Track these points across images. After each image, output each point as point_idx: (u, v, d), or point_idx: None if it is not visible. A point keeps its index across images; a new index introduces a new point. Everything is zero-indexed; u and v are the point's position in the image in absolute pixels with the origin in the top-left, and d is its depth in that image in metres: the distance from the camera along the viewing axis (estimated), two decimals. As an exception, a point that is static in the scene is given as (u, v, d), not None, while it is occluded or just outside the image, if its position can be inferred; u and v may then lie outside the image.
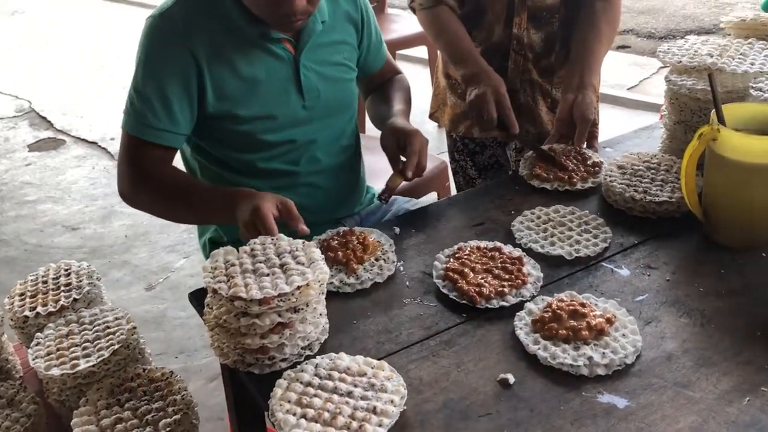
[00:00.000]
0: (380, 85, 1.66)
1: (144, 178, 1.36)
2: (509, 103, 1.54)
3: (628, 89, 4.31)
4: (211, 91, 1.33)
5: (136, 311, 2.63)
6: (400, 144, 1.41)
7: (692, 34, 5.12)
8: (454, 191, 2.14)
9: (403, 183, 1.42)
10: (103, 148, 4.16)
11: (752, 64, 1.37)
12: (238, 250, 1.03)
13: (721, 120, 1.17)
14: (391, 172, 1.44)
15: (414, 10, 1.75)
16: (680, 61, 1.41)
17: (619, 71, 4.58)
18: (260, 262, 1.00)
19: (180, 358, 2.40)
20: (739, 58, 1.39)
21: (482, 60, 1.61)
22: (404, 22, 3.77)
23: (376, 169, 2.29)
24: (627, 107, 4.08)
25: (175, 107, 1.31)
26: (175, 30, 1.30)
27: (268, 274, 0.97)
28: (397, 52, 3.72)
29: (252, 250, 1.04)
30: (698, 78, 1.39)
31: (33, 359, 1.19)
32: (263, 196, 1.22)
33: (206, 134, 1.40)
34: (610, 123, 3.63)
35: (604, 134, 1.56)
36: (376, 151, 2.46)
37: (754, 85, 1.31)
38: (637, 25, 5.54)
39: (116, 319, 1.26)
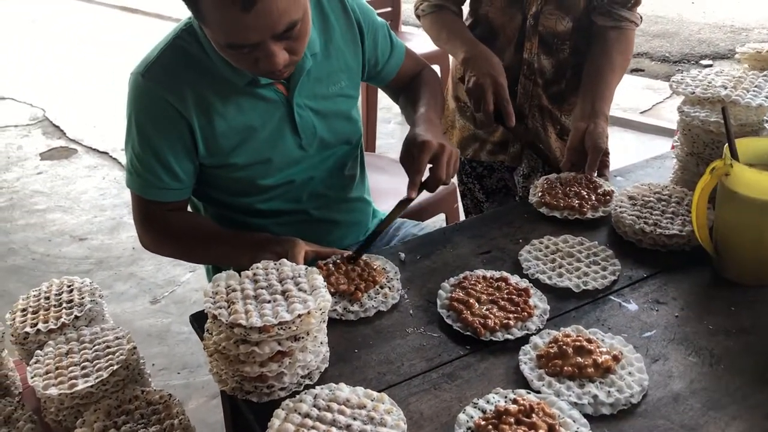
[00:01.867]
0: (408, 84, 1.59)
1: (162, 233, 1.39)
2: (507, 94, 1.52)
3: (641, 113, 4.30)
4: (203, 146, 1.31)
5: (141, 324, 2.63)
6: (414, 156, 1.29)
7: (707, 59, 5.08)
8: (462, 213, 2.13)
9: (414, 202, 1.39)
10: (114, 159, 4.18)
11: (767, 97, 1.35)
12: (240, 275, 1.02)
13: (734, 155, 1.16)
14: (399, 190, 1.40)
15: (419, 18, 1.76)
16: (693, 92, 1.39)
17: (632, 95, 4.57)
18: (262, 288, 0.98)
19: (182, 374, 2.38)
20: (754, 91, 1.37)
21: (483, 46, 1.59)
22: (418, 40, 3.78)
23: (385, 190, 2.29)
24: (640, 131, 4.06)
25: (175, 168, 1.32)
26: (159, 89, 1.27)
27: (269, 301, 0.96)
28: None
29: (254, 275, 1.02)
30: (711, 110, 1.37)
31: (32, 377, 1.18)
32: (294, 244, 1.25)
33: (201, 180, 1.39)
34: (623, 147, 3.62)
35: (616, 157, 1.55)
36: (384, 171, 2.47)
37: (768, 119, 1.29)
38: (651, 48, 5.53)
39: (116, 338, 1.24)
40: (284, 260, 1.05)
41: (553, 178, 1.50)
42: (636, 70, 5.09)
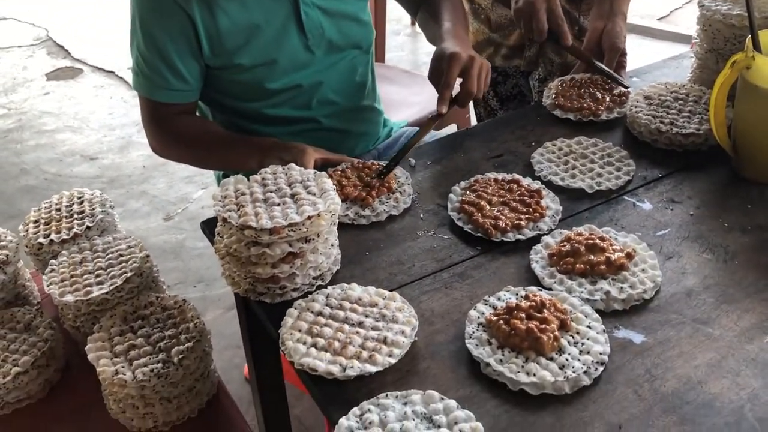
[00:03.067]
0: None
1: (170, 135, 1.38)
2: (561, 12, 1.44)
3: (658, 20, 4.15)
4: (207, 45, 1.28)
5: (155, 241, 2.66)
6: (444, 70, 1.24)
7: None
8: (474, 123, 2.09)
9: (424, 111, 1.35)
10: (121, 78, 4.13)
11: (793, -13, 1.29)
12: (248, 179, 1.01)
13: (756, 47, 1.11)
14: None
15: None
16: (716, -15, 1.33)
17: (649, 0, 4.40)
18: (271, 192, 0.97)
19: (198, 287, 2.42)
20: (779, -18, 1.31)
21: None
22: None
23: (395, 101, 2.25)
24: (657, 38, 3.94)
25: (182, 69, 1.29)
26: None
27: (278, 204, 0.95)
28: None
29: (263, 179, 1.01)
30: (734, 3, 1.31)
31: (48, 285, 1.19)
32: (303, 150, 1.23)
33: (207, 83, 1.36)
34: (639, 54, 3.52)
35: (632, 65, 1.50)
36: (394, 82, 2.42)
37: (794, 11, 1.24)
38: (670, -49, 5.29)
39: (129, 247, 1.25)
40: (293, 165, 1.04)
41: (568, 79, 1.45)
42: (654, -25, 4.89)
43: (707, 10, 1.33)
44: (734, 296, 0.94)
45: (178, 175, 3.06)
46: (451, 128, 2.29)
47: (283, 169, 1.03)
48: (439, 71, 1.24)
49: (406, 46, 4.33)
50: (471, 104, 2.03)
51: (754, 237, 1.04)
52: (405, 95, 2.30)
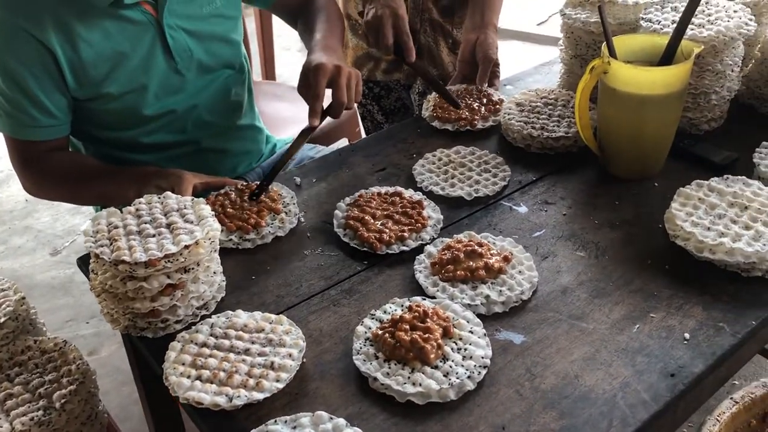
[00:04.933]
0: (302, 8, 1.51)
1: (43, 174, 1.32)
2: (407, 28, 1.47)
3: (537, 24, 4.34)
4: (71, 77, 1.23)
5: (42, 278, 2.53)
6: (311, 82, 1.23)
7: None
8: (364, 136, 2.11)
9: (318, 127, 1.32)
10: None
11: (643, -5, 1.37)
12: (122, 211, 0.98)
13: (611, 52, 1.18)
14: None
15: None
16: (574, -6, 1.41)
17: (528, 6, 4.59)
18: (146, 223, 0.95)
19: (92, 323, 2.32)
20: (630, -10, 1.39)
21: None
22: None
23: (285, 118, 2.24)
24: (537, 43, 4.11)
25: (47, 103, 1.23)
26: (15, 18, 1.17)
27: (154, 235, 0.93)
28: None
29: (137, 210, 0.98)
30: (592, 11, 1.39)
31: None
32: (180, 178, 1.20)
33: (77, 116, 1.30)
34: (520, 59, 3.66)
35: (513, 69, 1.55)
36: (283, 98, 2.41)
37: (644, 16, 1.32)
38: (545, -41, 5.54)
39: (2, 290, 1.18)
40: (169, 193, 1.01)
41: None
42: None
43: (569, 18, 1.40)
44: (605, 290, 0.99)
45: (63, 207, 2.91)
46: (343, 142, 2.30)
47: (159, 198, 1.01)
48: (308, 84, 1.23)
49: (298, 61, 4.32)
50: (359, 119, 2.05)
51: (622, 232, 1.11)
52: (294, 112, 2.29)
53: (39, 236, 2.78)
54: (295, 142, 1.27)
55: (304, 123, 1.23)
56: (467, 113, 1.41)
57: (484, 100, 1.45)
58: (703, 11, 1.29)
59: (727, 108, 1.35)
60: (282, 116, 2.25)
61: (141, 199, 1.01)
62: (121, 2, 1.21)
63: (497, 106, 1.43)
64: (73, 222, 2.83)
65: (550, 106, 1.38)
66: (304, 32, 1.47)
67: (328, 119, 1.29)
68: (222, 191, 1.22)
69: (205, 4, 1.32)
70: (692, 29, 1.23)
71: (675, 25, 1.17)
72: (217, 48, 1.36)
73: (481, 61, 1.48)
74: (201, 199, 1.02)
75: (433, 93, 1.49)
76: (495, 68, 1.52)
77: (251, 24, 2.45)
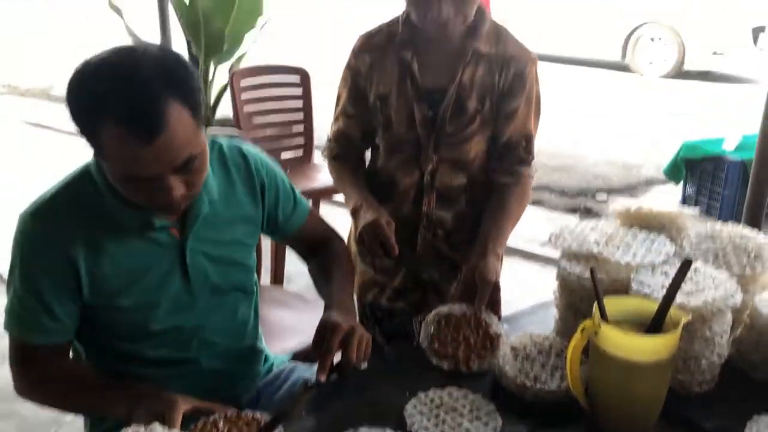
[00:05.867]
0: (317, 248, 1.61)
1: (39, 378, 1.33)
2: (387, 231, 1.59)
3: (540, 245, 4.49)
4: (88, 288, 1.29)
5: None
6: (326, 339, 1.31)
7: (601, 192, 5.36)
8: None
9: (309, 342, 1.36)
10: None
11: (635, 255, 1.44)
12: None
13: (603, 315, 1.22)
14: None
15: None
16: (570, 247, 1.48)
17: (533, 226, 4.78)
18: (129, 459, 0.94)
19: None
20: (623, 248, 1.47)
21: (372, 199, 1.69)
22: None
23: (286, 327, 2.27)
24: (539, 262, 4.23)
25: (57, 310, 1.29)
26: (48, 234, 1.26)
27: (135, 474, 0.92)
28: (322, 201, 3.80)
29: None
30: (587, 265, 1.45)
31: None
32: (172, 406, 1.19)
33: (84, 321, 1.35)
34: (522, 279, 3.75)
35: (515, 288, 1.61)
36: (286, 305, 2.47)
37: (635, 277, 1.38)
38: (551, 181, 5.86)
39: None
40: (156, 425, 1.02)
41: (444, 314, 1.53)
42: (536, 202, 5.35)
43: (564, 271, 1.46)
44: None
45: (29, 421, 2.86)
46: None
47: (145, 429, 1.01)
48: (322, 339, 1.31)
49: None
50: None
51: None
52: (295, 321, 2.34)
53: (22, 424, 2.70)
54: (297, 398, 1.28)
55: (305, 334, 1.28)
56: (463, 352, 1.43)
57: (481, 333, 1.48)
58: (691, 278, 1.35)
59: (718, 372, 1.36)
60: (285, 325, 2.29)
61: (129, 429, 1.01)
62: (151, 225, 1.29)
63: (494, 342, 1.45)
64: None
65: (543, 354, 1.40)
66: (319, 275, 1.56)
67: None
68: (210, 419, 1.22)
69: (228, 231, 1.40)
70: (681, 297, 1.27)
71: (665, 291, 1.22)
72: (231, 272, 1.43)
73: (480, 283, 1.54)
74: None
75: (432, 314, 1.52)
76: (495, 294, 1.57)
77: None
